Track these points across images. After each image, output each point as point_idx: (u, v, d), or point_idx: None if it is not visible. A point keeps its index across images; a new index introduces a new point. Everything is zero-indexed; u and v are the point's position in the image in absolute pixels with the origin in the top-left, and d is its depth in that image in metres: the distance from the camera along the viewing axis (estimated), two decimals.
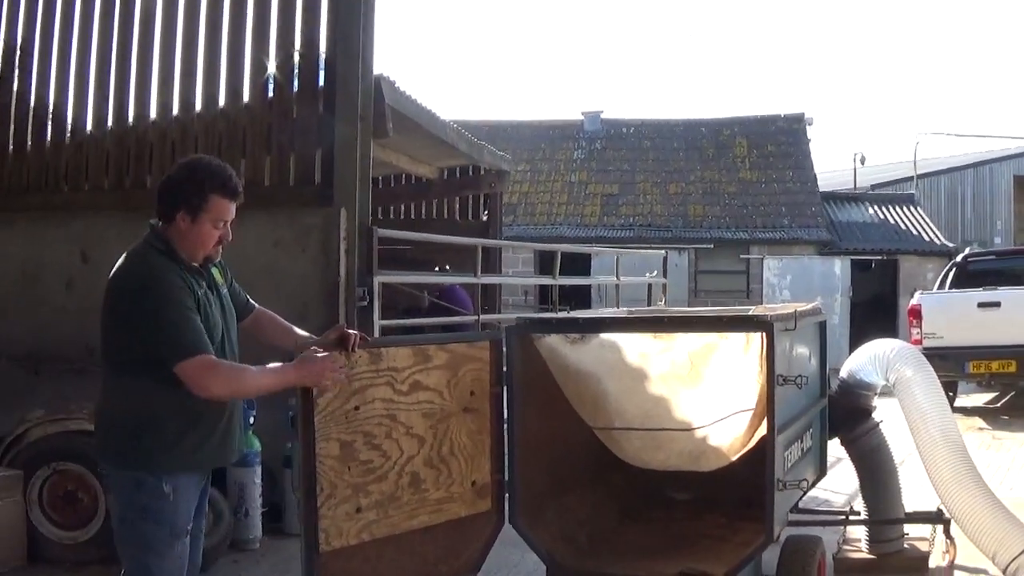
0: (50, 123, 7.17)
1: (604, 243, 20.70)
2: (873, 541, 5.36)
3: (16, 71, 7.20)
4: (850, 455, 5.41)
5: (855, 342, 10.27)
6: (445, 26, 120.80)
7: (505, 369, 4.13)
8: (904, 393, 4.93)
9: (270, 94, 6.80)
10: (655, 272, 13.22)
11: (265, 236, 6.49)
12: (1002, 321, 10.98)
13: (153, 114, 7.00)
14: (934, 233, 22.44)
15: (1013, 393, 12.64)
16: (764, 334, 3.82)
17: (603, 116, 25.94)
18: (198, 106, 6.87)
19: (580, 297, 17.44)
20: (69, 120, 7.14)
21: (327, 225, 6.46)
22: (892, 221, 23.28)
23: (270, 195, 6.59)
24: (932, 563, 5.28)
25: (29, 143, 7.17)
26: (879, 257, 21.51)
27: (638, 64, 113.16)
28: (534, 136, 25.51)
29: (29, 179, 7.13)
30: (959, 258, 13.10)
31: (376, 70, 6.83)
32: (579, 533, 4.35)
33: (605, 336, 4.33)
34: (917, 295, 12.04)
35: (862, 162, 28.76)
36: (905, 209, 23.78)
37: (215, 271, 3.36)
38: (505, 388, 4.12)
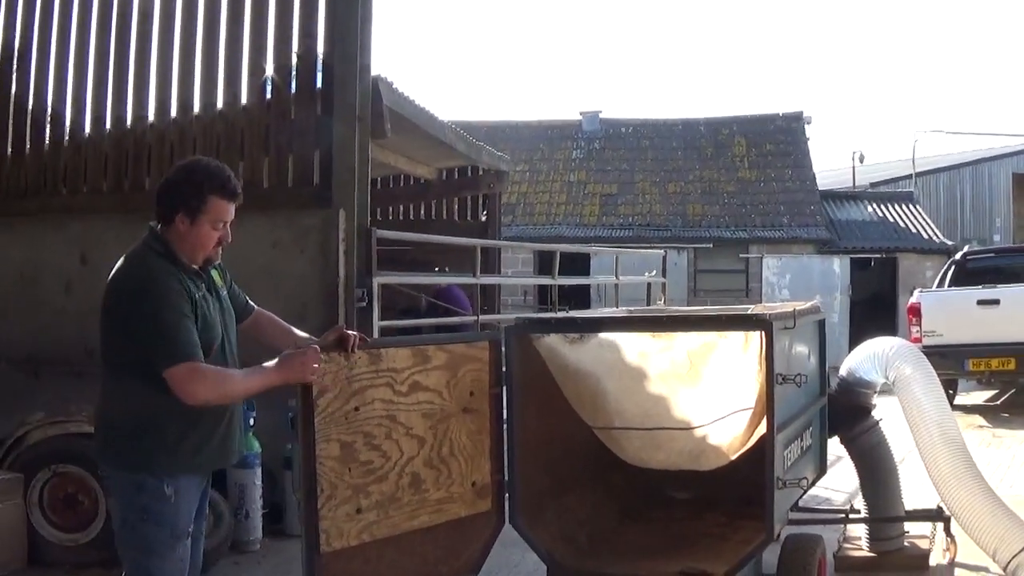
0: (48, 125, 7.17)
1: (603, 243, 20.73)
2: (873, 539, 5.36)
3: (14, 73, 7.21)
4: (850, 453, 5.41)
5: (855, 340, 10.27)
6: (443, 26, 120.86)
7: (504, 369, 4.13)
8: (904, 391, 4.93)
9: (268, 96, 6.80)
10: (654, 272, 13.23)
11: (264, 237, 6.49)
12: (1001, 319, 10.98)
13: (151, 116, 7.00)
14: (933, 231, 22.47)
15: (1013, 391, 12.63)
16: (763, 333, 3.82)
17: (601, 116, 25.96)
18: (196, 108, 6.87)
19: (579, 297, 17.46)
20: (67, 122, 7.14)
21: (326, 226, 6.46)
22: (891, 219, 23.30)
23: (268, 196, 6.59)
24: (932, 561, 5.28)
25: (27, 146, 7.18)
26: (878, 255, 21.53)
27: (636, 64, 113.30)
28: (533, 136, 25.53)
29: (27, 182, 7.14)
30: (958, 256, 13.08)
31: (374, 71, 6.83)
32: (579, 533, 4.35)
33: (604, 336, 4.33)
34: (916, 293, 12.04)
35: (861, 160, 28.79)
36: (904, 207, 23.81)
37: (214, 273, 3.36)
38: (504, 388, 4.11)
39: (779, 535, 4.10)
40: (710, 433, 4.18)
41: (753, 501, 3.99)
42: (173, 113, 6.93)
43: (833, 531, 5.51)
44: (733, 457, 4.15)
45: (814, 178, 23.92)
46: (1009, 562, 4.42)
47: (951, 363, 10.65)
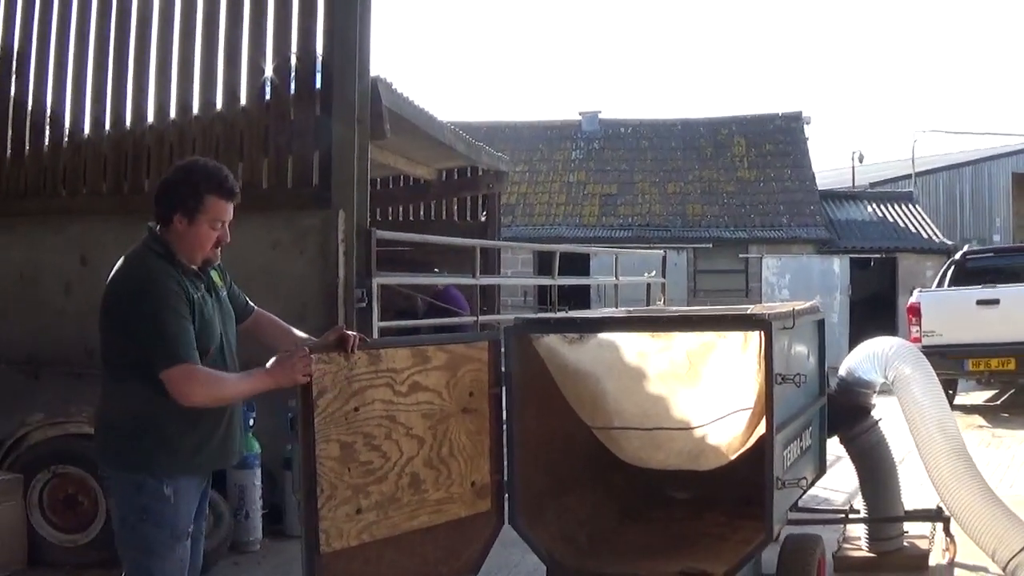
0: (48, 127, 7.18)
1: (603, 243, 20.73)
2: (873, 539, 5.36)
3: (13, 76, 7.21)
4: (849, 453, 5.41)
5: (854, 340, 10.26)
6: (442, 27, 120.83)
7: (504, 369, 4.13)
8: (903, 391, 4.93)
9: (267, 97, 6.81)
10: (654, 272, 13.23)
11: (263, 238, 6.49)
12: (1001, 319, 10.98)
13: (150, 118, 7.00)
14: (933, 231, 22.47)
15: (1013, 391, 12.63)
16: (762, 333, 3.82)
17: (601, 116, 25.96)
18: (195, 109, 6.87)
19: (579, 297, 17.45)
20: (67, 124, 7.14)
21: (325, 227, 6.46)
22: (891, 219, 23.30)
23: (268, 197, 6.59)
24: (932, 561, 5.28)
25: (27, 147, 7.18)
26: (878, 255, 21.53)
27: (635, 64, 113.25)
28: (532, 137, 25.53)
29: (27, 183, 7.14)
30: (958, 256, 13.06)
31: (373, 72, 6.83)
32: (579, 533, 4.35)
33: (603, 336, 4.33)
34: (916, 293, 12.03)
35: (860, 160, 28.80)
36: (904, 207, 23.81)
37: (214, 274, 3.36)
38: (504, 388, 4.12)
39: (778, 535, 4.10)
40: (709, 433, 4.19)
41: (752, 501, 3.99)
42: (172, 114, 6.93)
43: (833, 531, 5.51)
44: (732, 457, 4.16)
45: (814, 178, 23.92)
46: (1008, 562, 4.42)
47: (951, 363, 10.65)
